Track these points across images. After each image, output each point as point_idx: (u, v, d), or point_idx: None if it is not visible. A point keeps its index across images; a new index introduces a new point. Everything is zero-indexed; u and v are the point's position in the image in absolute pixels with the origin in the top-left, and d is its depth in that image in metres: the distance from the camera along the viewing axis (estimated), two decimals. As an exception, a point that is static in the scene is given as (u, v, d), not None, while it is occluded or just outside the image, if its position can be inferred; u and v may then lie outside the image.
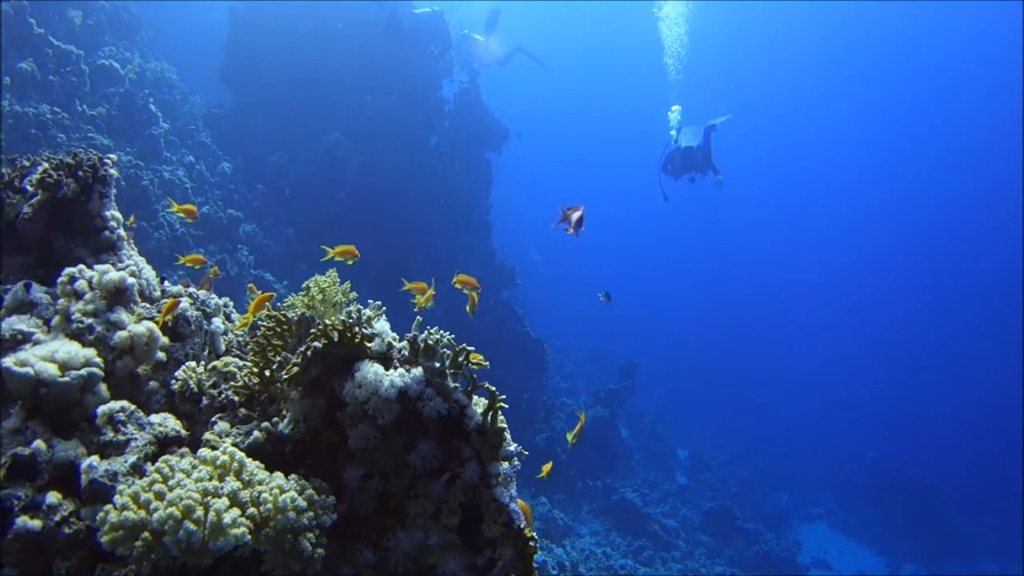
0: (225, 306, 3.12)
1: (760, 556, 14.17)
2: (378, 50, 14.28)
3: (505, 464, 2.28)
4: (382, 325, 2.36)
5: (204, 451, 2.02)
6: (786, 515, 17.78)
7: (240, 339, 2.99)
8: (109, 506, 1.79)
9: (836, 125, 42.51)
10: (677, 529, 13.86)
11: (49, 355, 2.22)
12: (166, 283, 3.15)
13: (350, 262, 3.54)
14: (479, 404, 2.30)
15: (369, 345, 2.28)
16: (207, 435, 2.30)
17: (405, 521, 2.20)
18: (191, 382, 2.48)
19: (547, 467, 4.11)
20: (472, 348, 2.30)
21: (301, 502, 1.92)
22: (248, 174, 13.26)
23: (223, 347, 2.90)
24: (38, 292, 2.64)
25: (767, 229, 44.81)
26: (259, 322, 2.66)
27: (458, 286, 3.79)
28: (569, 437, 4.06)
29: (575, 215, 3.54)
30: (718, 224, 43.31)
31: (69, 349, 2.27)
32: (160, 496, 1.79)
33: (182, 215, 4.37)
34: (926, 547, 17.70)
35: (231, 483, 1.89)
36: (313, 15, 14.31)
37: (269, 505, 1.87)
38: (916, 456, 21.78)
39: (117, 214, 3.09)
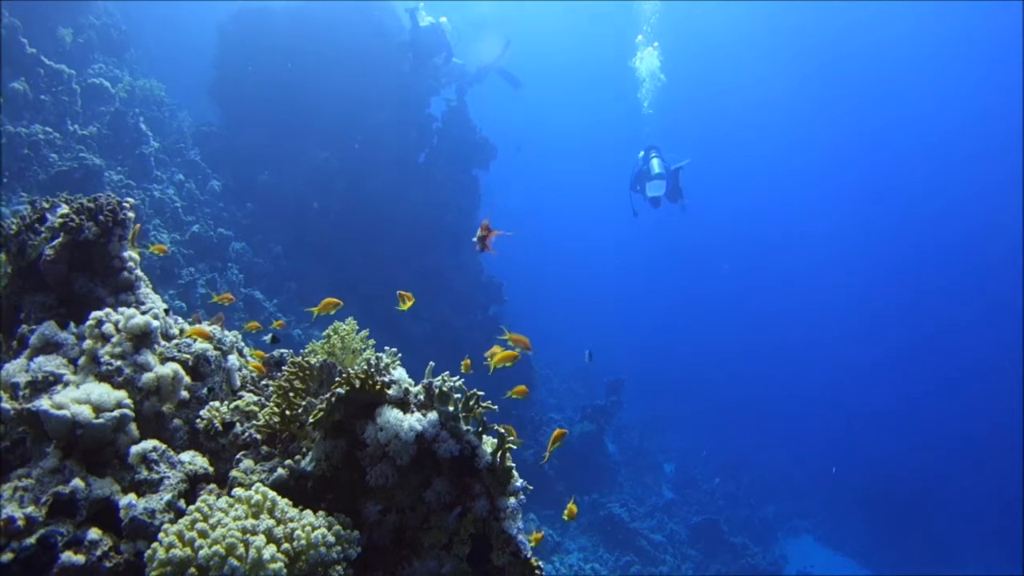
0: (237, 342, 3.27)
1: (747, 570, 14.34)
2: (369, 67, 14.46)
3: (512, 499, 2.46)
4: (400, 372, 2.53)
5: (239, 490, 2.18)
6: (772, 528, 17.95)
7: (253, 375, 3.15)
8: (156, 544, 1.95)
9: (822, 136, 42.70)
10: (664, 544, 14.00)
11: (83, 397, 2.37)
12: (180, 319, 3.30)
13: (406, 306, 3.69)
14: (489, 444, 2.47)
15: (388, 392, 2.45)
16: (234, 472, 2.47)
17: (420, 552, 2.37)
18: (216, 421, 2.64)
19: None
20: (482, 393, 2.46)
21: (330, 537, 2.09)
22: (237, 192, 13.36)
23: (239, 383, 3.06)
24: (63, 332, 2.79)
25: (751, 246, 45.02)
26: (282, 367, 2.82)
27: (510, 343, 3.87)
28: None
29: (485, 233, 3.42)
30: (704, 241, 43.59)
31: (102, 392, 2.42)
32: (203, 534, 1.96)
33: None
34: (913, 559, 17.88)
35: (266, 521, 2.05)
36: (302, 33, 14.46)
37: (303, 541, 2.04)
38: (902, 468, 21.95)
39: (135, 255, 3.24)
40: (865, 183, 42.68)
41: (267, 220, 13.28)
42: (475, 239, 3.41)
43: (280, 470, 2.42)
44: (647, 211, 12.24)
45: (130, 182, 10.79)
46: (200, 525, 1.99)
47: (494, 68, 16.56)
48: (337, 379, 2.44)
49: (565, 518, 4.18)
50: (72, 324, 2.88)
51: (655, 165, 11.64)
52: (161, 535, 1.98)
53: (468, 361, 3.75)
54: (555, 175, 48.61)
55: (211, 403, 2.75)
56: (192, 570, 1.89)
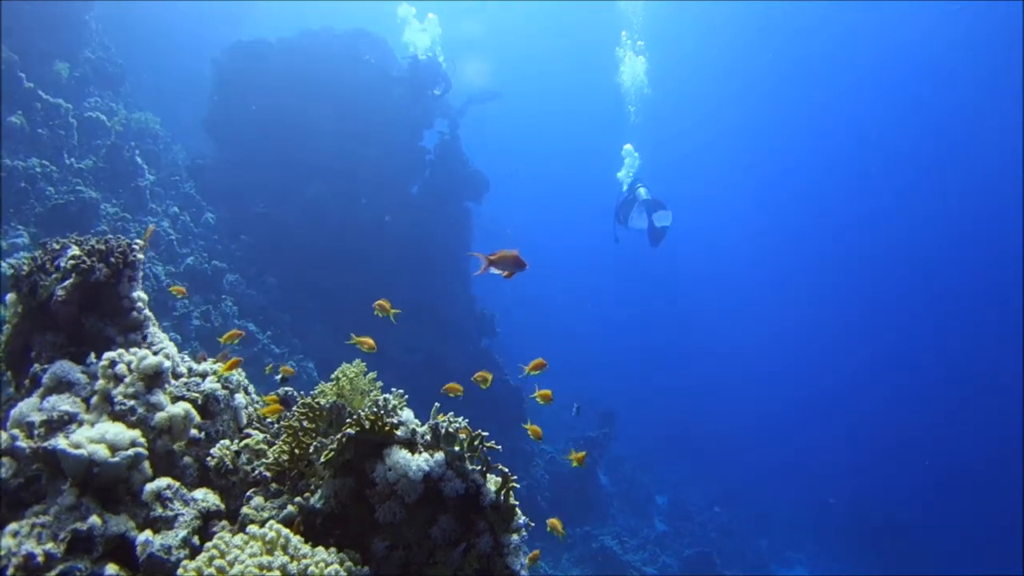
0: (243, 381, 3.35)
1: (739, 602, 14.36)
2: (363, 101, 14.65)
3: (515, 535, 2.56)
4: (407, 414, 2.63)
5: (253, 527, 2.27)
6: (765, 561, 17.92)
7: (260, 412, 3.25)
8: (176, 581, 2.03)
9: (814, 138, 42.41)
10: (656, 576, 14.02)
11: (99, 437, 2.46)
12: (186, 356, 3.38)
13: (389, 313, 3.88)
14: (493, 482, 2.57)
15: (397, 433, 2.55)
16: (245, 509, 2.55)
17: (425, 587, 2.45)
18: (227, 459, 2.73)
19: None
20: (486, 433, 2.56)
21: (343, 573, 2.17)
22: (231, 224, 13.44)
23: (245, 420, 3.15)
24: (75, 372, 2.87)
25: (743, 272, 45.12)
26: (294, 408, 2.92)
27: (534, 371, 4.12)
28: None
29: (508, 260, 3.55)
30: (695, 268, 43.76)
31: (117, 431, 2.50)
32: (222, 571, 2.04)
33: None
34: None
35: (280, 557, 2.13)
36: (296, 67, 14.65)
37: (316, 578, 2.12)
38: (896, 499, 21.95)
39: (143, 295, 3.33)
40: (863, 192, 42.57)
41: (261, 252, 13.35)
42: (492, 257, 3.50)
43: (290, 507, 2.52)
44: (635, 239, 12.42)
45: (126, 215, 10.85)
46: (218, 562, 2.07)
47: (476, 100, 16.84)
48: (348, 420, 2.54)
49: (549, 530, 4.30)
50: (92, 355, 2.95)
51: (643, 193, 11.82)
52: (180, 571, 2.06)
53: (453, 385, 3.89)
54: (546, 201, 48.67)
55: (221, 441, 2.83)
56: (212, 606, 1.98)
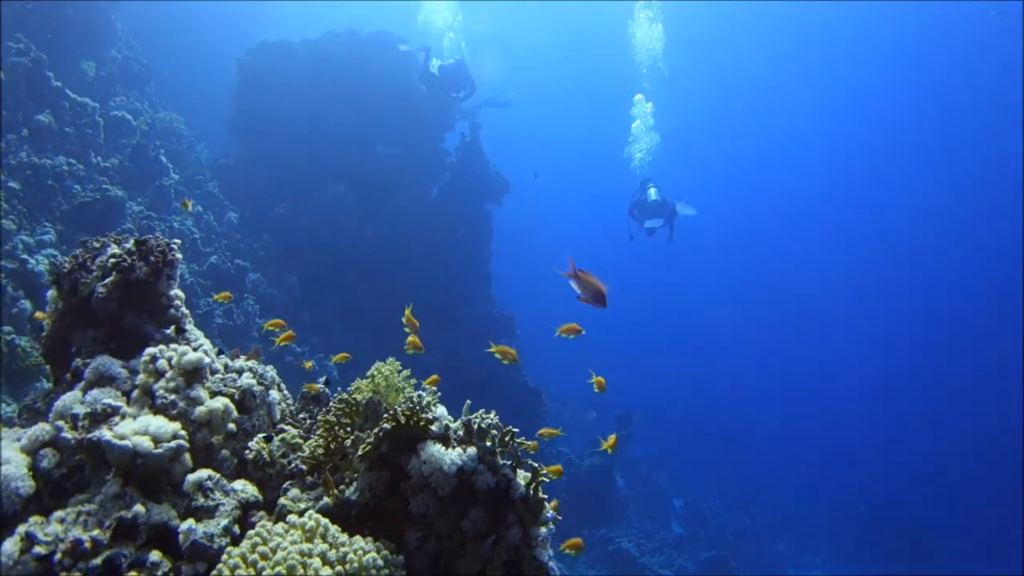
0: (276, 378, 3.45)
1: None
2: (386, 103, 14.76)
3: (544, 528, 2.65)
4: (441, 410, 2.73)
5: (293, 517, 2.37)
6: (782, 564, 17.90)
7: (292, 408, 3.35)
8: (221, 565, 2.14)
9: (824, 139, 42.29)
10: (673, 580, 14.04)
11: (142, 429, 2.56)
12: (223, 355, 3.48)
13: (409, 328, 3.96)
14: (523, 477, 2.65)
15: (431, 428, 2.64)
16: (282, 500, 2.66)
17: (456, 577, 2.54)
18: (264, 452, 2.83)
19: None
20: (517, 430, 2.65)
21: (379, 561, 2.27)
22: (254, 224, 13.59)
23: (279, 416, 3.25)
24: (116, 367, 2.97)
25: (762, 280, 44.89)
26: (320, 401, 3.04)
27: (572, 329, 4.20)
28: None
29: (593, 288, 3.55)
30: (712, 270, 43.63)
31: (159, 424, 2.60)
32: (265, 557, 2.14)
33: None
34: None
35: (320, 545, 2.23)
36: (320, 68, 14.80)
37: (355, 564, 2.21)
38: (913, 502, 21.85)
39: (181, 293, 3.43)
40: (873, 195, 42.39)
41: (282, 251, 13.48)
42: (582, 273, 3.53)
43: (326, 498, 2.62)
44: (652, 239, 12.52)
45: (151, 213, 11.00)
46: (261, 548, 2.17)
47: (487, 104, 16.86)
48: (385, 416, 2.63)
49: (573, 553, 4.34)
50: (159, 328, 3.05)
51: (652, 194, 11.94)
52: (225, 557, 2.16)
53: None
54: (564, 199, 48.58)
55: (258, 435, 2.94)
56: (256, 590, 2.07)
